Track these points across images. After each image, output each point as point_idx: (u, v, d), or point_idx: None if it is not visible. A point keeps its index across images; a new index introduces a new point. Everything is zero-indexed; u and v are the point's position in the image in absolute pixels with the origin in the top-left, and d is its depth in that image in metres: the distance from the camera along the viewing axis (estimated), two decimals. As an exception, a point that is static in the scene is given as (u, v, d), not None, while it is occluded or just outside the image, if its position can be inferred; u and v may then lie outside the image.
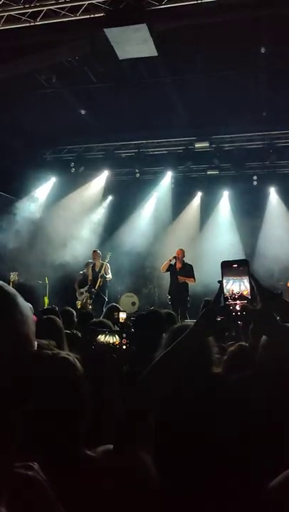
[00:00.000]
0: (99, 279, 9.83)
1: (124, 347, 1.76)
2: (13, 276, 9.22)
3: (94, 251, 10.36)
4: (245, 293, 1.35)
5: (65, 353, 1.34)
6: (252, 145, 11.60)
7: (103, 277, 9.84)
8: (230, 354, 2.26)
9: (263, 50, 8.00)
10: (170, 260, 9.74)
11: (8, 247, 10.83)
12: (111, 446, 1.32)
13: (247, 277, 1.37)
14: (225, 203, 12.70)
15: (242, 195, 12.25)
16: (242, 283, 1.36)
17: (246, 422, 1.39)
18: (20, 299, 0.81)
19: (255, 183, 11.93)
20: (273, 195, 12.29)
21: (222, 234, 11.88)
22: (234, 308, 1.35)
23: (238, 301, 1.35)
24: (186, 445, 1.36)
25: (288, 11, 6.76)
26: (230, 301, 1.35)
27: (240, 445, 1.35)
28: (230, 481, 1.29)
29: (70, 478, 1.17)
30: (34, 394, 1.24)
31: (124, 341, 1.80)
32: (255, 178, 11.91)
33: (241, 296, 1.35)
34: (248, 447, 1.36)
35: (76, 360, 1.33)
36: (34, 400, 1.23)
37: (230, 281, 1.37)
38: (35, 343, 0.81)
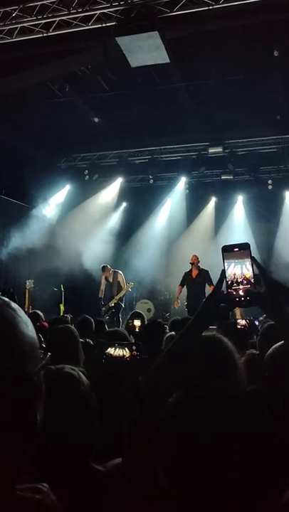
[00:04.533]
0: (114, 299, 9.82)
1: (133, 359, 1.74)
2: (29, 284, 9.29)
3: (103, 268, 10.20)
4: (247, 276, 1.32)
5: (69, 368, 1.31)
6: (266, 149, 11.51)
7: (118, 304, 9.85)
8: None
9: (276, 54, 7.95)
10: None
11: (24, 254, 10.93)
12: (120, 460, 1.30)
13: (249, 260, 1.33)
14: (239, 207, 12.63)
15: (257, 200, 12.17)
16: (244, 266, 1.33)
17: (257, 439, 1.36)
18: (22, 315, 0.79)
19: (270, 187, 11.82)
20: (289, 199, 12.18)
21: (237, 239, 11.68)
22: (237, 293, 1.31)
23: (241, 286, 1.31)
24: (197, 458, 1.32)
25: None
26: (234, 286, 1.31)
27: (251, 462, 1.31)
28: (241, 500, 1.25)
29: (79, 494, 1.15)
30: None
31: (134, 353, 1.78)
32: (270, 182, 11.80)
33: (244, 281, 1.31)
34: (259, 464, 1.32)
35: (81, 375, 1.31)
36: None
37: (232, 264, 1.34)
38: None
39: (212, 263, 10.39)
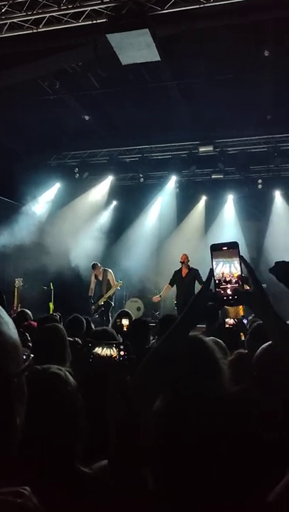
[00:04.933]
0: (104, 297, 9.76)
1: (121, 359, 1.72)
2: (18, 282, 9.23)
3: (93, 266, 10.10)
4: (235, 275, 1.32)
5: (56, 367, 1.29)
6: (256, 148, 11.56)
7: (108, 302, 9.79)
8: (229, 364, 2.20)
9: (266, 53, 7.97)
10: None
11: (13, 252, 10.84)
12: (107, 462, 1.28)
13: (237, 259, 1.34)
14: (230, 206, 12.66)
15: (247, 199, 12.21)
16: (232, 264, 1.34)
17: (243, 438, 1.35)
18: (4, 315, 0.77)
19: (260, 186, 11.87)
20: (278, 198, 12.24)
21: (227, 238, 11.70)
22: (225, 292, 1.31)
23: (229, 285, 1.32)
24: (183, 459, 1.31)
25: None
26: (222, 285, 1.32)
27: (240, 463, 1.31)
28: (230, 499, 1.25)
29: (65, 496, 1.13)
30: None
31: (122, 353, 1.76)
32: (260, 181, 11.84)
33: (232, 280, 1.32)
34: (247, 464, 1.32)
35: (68, 375, 1.29)
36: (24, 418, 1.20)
37: (221, 263, 1.34)
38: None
39: (202, 262, 10.42)
